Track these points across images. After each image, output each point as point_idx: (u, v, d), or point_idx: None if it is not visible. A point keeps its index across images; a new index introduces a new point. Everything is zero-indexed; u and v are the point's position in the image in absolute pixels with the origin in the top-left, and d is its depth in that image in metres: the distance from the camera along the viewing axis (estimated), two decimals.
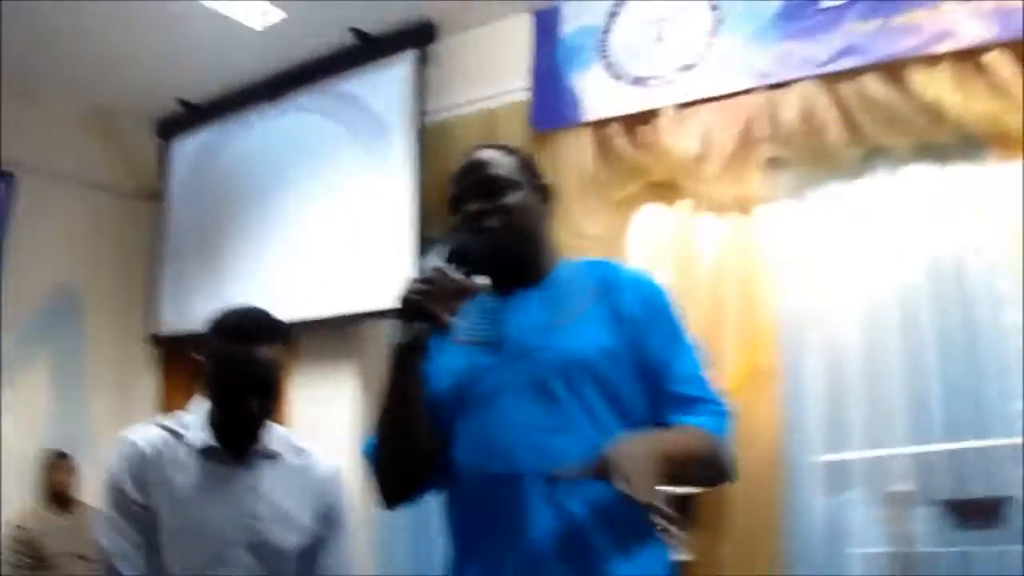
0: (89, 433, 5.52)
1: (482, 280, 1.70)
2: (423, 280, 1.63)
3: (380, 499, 1.79)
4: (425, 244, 4.67)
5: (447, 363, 1.75)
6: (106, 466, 2.14)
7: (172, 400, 5.58)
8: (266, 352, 2.09)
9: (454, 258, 1.66)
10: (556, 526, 1.62)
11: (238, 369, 2.07)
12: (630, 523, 1.55)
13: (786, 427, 4.02)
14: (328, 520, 2.22)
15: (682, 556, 3.98)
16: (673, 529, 1.42)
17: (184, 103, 5.87)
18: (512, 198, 1.78)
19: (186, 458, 2.11)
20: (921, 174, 3.92)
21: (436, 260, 1.68)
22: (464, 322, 1.71)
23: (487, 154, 1.83)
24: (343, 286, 4.87)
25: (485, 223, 1.76)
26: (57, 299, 5.50)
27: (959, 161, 3.86)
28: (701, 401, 1.73)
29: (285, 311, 4.66)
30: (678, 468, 1.58)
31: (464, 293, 1.65)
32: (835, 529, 3.76)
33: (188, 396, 5.33)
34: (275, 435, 2.21)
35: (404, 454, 1.73)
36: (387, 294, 4.69)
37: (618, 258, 4.43)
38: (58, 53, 5.14)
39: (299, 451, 2.25)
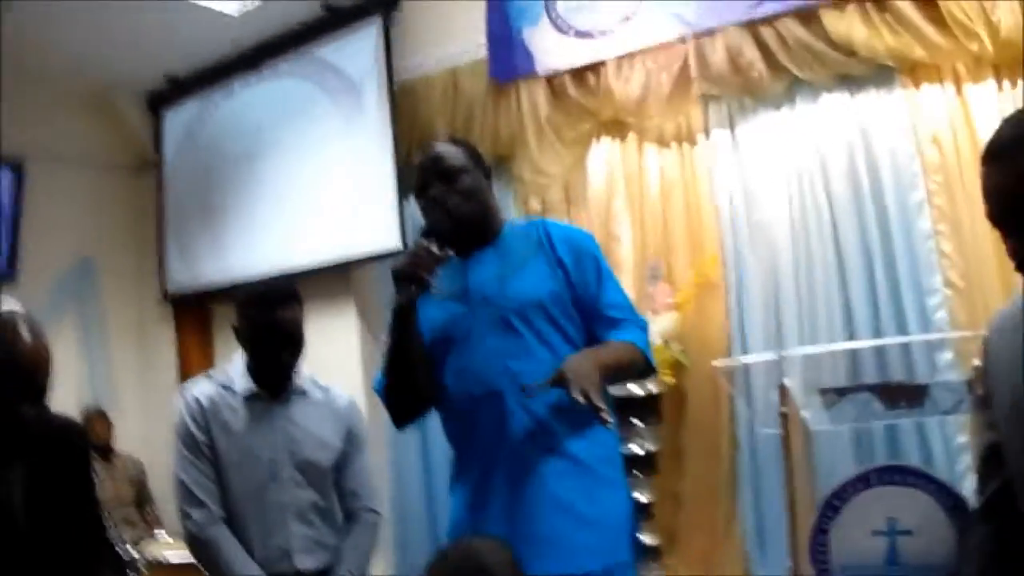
0: (115, 388, 5.94)
1: (450, 250, 2.21)
2: (409, 256, 2.17)
3: (393, 420, 2.38)
4: (403, 191, 5.03)
5: (431, 315, 2.30)
6: (173, 417, 2.63)
7: (187, 350, 5.99)
8: (288, 313, 2.56)
9: (429, 235, 2.19)
10: (529, 424, 2.18)
11: (269, 331, 2.54)
12: (581, 416, 2.06)
13: (732, 332, 4.53)
14: (350, 439, 2.73)
15: (649, 447, 4.54)
16: (609, 420, 1.98)
17: (171, 79, 6.12)
18: (464, 182, 2.30)
19: (234, 402, 2.60)
20: (839, 101, 4.34)
21: (417, 238, 2.21)
22: (439, 282, 2.24)
23: (441, 148, 2.36)
24: (334, 235, 5.22)
25: (448, 204, 2.27)
26: (75, 271, 5.80)
27: (872, 89, 4.28)
28: (626, 321, 2.30)
29: (282, 262, 5.17)
30: (613, 373, 2.18)
31: (439, 261, 2.17)
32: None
33: (202, 346, 5.79)
34: (302, 376, 2.71)
35: (408, 387, 2.31)
36: (374, 240, 5.16)
37: (576, 190, 5.00)
38: (51, 40, 5.32)
39: (321, 388, 2.74)
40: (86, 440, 2.42)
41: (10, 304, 2.21)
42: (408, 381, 2.29)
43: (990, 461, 1.69)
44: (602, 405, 1.94)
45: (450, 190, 2.27)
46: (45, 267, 5.57)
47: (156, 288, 6.06)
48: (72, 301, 5.79)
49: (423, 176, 2.33)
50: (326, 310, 5.06)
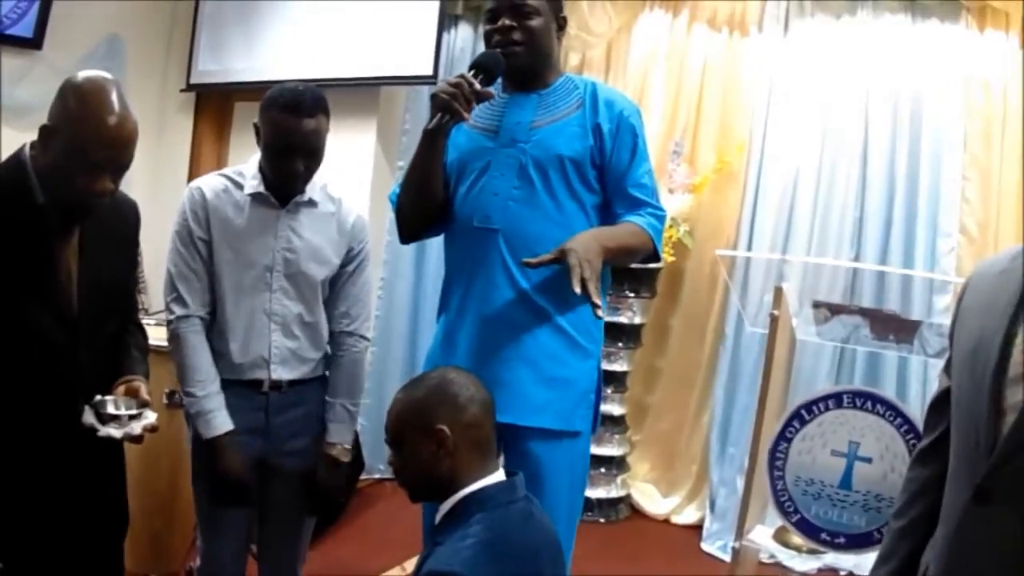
0: (127, 173, 5.92)
1: (492, 89, 2.22)
2: (451, 84, 2.16)
3: (400, 233, 2.45)
4: (447, 20, 4.94)
5: (459, 140, 2.36)
6: (176, 206, 2.61)
7: (201, 143, 5.96)
8: (312, 123, 2.48)
9: (477, 68, 2.21)
10: (515, 273, 2.25)
11: (289, 136, 2.46)
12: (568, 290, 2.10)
13: (741, 225, 4.54)
14: (351, 258, 2.69)
15: (637, 319, 4.59)
16: (602, 314, 1.99)
17: None
18: (535, 22, 2.30)
19: (241, 201, 2.56)
20: (900, 24, 4.26)
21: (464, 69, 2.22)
22: (477, 111, 2.28)
23: None
24: (368, 52, 5.04)
25: (511, 38, 2.28)
26: (102, 47, 5.58)
27: (936, 20, 4.21)
28: (646, 204, 2.33)
29: (312, 68, 5.05)
30: (616, 256, 2.22)
31: (479, 97, 2.19)
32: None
33: (217, 141, 5.72)
34: (315, 185, 2.63)
35: (421, 206, 2.36)
36: (408, 63, 5.03)
37: (617, 54, 4.96)
38: None
39: (333, 200, 2.68)
40: (138, 217, 2.45)
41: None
42: (422, 200, 2.34)
43: (939, 407, 1.68)
44: (598, 300, 1.96)
45: (518, 26, 2.29)
46: (73, 39, 5.39)
47: (180, 76, 5.97)
48: None
49: (495, 2, 2.33)
50: (347, 125, 5.01)
